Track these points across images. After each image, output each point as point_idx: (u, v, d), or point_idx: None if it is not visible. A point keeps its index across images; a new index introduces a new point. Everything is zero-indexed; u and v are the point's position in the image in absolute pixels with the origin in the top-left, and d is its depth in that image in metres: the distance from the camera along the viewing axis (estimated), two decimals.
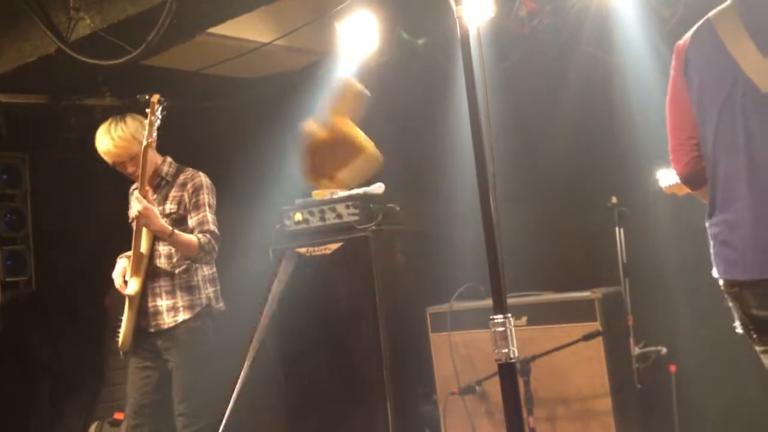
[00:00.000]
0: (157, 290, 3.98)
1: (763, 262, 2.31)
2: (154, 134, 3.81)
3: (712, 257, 2.48)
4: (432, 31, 4.90)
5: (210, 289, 4.07)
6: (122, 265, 4.03)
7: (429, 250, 4.85)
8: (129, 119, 3.94)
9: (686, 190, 2.88)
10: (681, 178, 2.64)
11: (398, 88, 5.15)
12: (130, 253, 4.00)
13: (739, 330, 2.55)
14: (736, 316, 2.52)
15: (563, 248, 4.67)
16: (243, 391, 4.93)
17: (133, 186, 4.17)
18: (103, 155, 3.96)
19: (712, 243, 2.48)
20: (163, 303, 3.97)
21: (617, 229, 4.35)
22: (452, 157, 4.66)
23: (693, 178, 2.59)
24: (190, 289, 3.99)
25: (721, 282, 2.47)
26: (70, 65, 4.24)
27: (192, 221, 3.96)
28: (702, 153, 2.51)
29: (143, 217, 3.79)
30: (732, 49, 2.40)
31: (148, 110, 3.78)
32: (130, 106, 3.98)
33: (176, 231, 3.85)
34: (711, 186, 2.47)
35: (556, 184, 4.69)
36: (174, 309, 3.96)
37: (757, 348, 2.52)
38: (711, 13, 2.51)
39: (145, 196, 3.81)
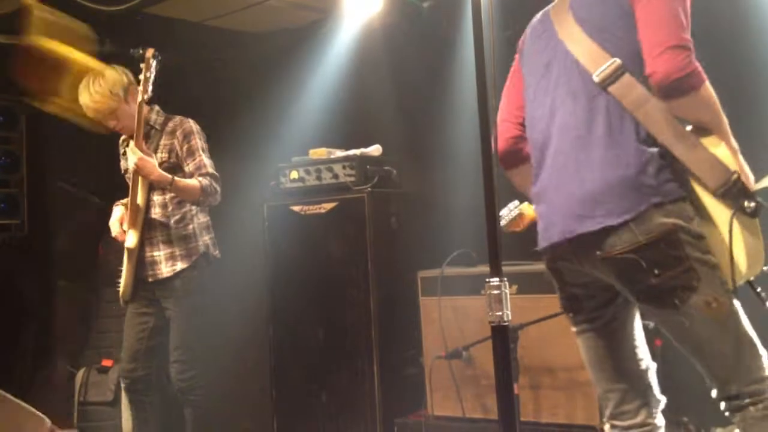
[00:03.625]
0: (154, 240, 4.00)
1: (564, 224, 2.33)
2: (150, 90, 3.78)
3: None
4: None
5: (206, 237, 4.09)
6: (119, 212, 4.03)
7: (423, 214, 4.86)
8: (108, 73, 3.90)
9: (523, 225, 2.77)
10: (499, 155, 2.63)
11: (401, 51, 5.12)
12: (125, 201, 4.00)
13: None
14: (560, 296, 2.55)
15: None
16: (231, 347, 4.98)
17: (122, 137, 4.16)
18: (84, 110, 3.95)
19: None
20: (160, 253, 3.99)
21: None
22: (451, 123, 4.64)
23: (507, 157, 2.64)
24: (186, 237, 4.01)
25: (545, 262, 2.50)
26: (71, 10, 4.20)
27: (189, 167, 3.96)
28: (526, 135, 2.56)
29: (141, 168, 3.78)
30: (563, 36, 2.43)
31: (142, 65, 3.75)
32: (127, 54, 3.92)
33: (176, 178, 3.86)
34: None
35: None
36: (171, 258, 3.98)
37: (574, 329, 2.54)
38: (548, 6, 2.60)
39: (140, 149, 3.80)
